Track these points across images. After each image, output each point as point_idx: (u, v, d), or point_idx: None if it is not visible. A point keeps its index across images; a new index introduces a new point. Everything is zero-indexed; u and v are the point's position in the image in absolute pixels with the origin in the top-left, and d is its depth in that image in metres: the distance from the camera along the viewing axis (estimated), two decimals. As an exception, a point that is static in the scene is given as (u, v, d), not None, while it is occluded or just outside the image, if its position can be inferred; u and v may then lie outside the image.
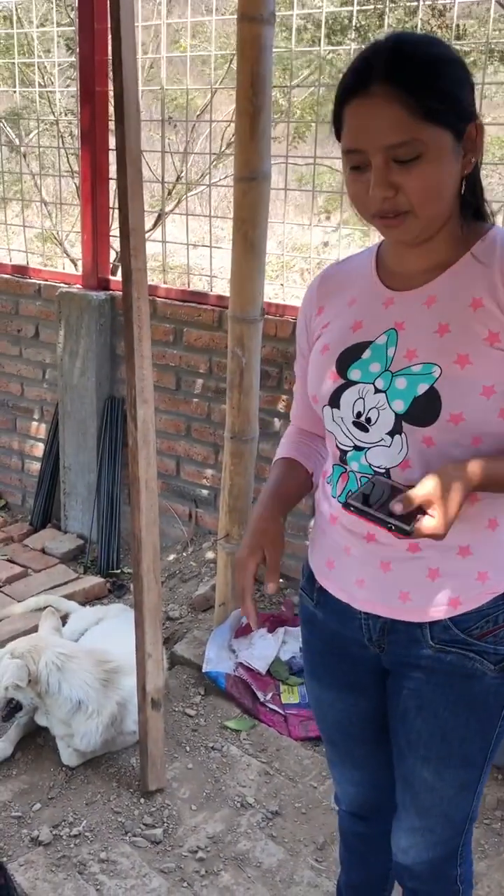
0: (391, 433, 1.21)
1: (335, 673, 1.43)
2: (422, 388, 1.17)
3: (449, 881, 1.44)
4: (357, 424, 1.25)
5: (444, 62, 1.11)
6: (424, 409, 1.17)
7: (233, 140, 3.29)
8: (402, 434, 1.19)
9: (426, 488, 1.09)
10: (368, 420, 1.23)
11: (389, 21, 4.24)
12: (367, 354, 1.24)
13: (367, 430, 1.23)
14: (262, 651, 2.81)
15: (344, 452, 1.28)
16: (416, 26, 3.76)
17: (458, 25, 4.01)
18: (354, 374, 1.25)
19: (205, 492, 3.46)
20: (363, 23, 4.34)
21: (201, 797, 2.31)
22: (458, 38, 3.86)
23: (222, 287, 3.74)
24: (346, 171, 1.17)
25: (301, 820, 2.25)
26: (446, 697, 1.29)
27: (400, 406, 1.19)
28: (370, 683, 1.40)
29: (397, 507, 1.07)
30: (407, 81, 1.07)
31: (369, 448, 1.24)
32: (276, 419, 3.16)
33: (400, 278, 1.25)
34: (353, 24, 3.39)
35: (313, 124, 3.60)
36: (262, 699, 2.66)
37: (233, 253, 2.58)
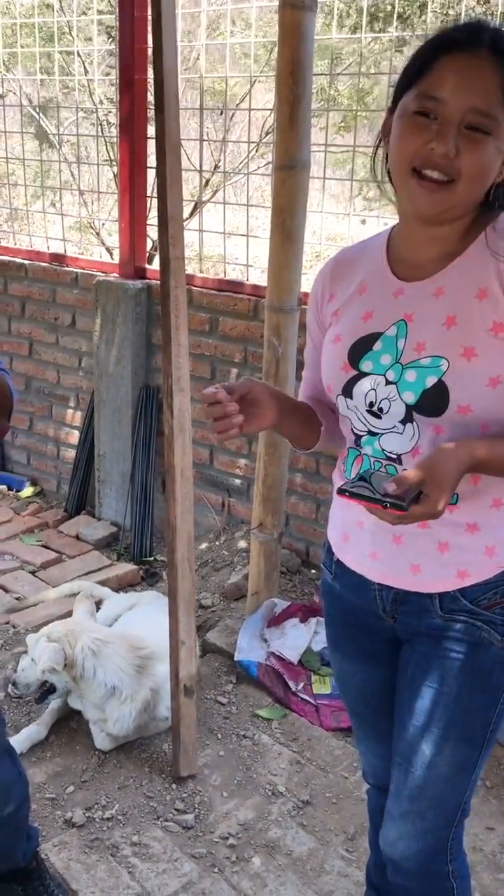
0: (403, 421, 1.24)
1: (354, 643, 1.48)
2: (430, 381, 1.20)
3: (440, 877, 1.41)
4: (371, 412, 1.28)
5: None
6: (433, 401, 1.20)
7: (271, 129, 3.28)
8: (414, 423, 1.23)
9: (421, 468, 1.12)
10: (381, 409, 1.27)
11: (433, 7, 4.18)
12: (377, 346, 1.27)
13: (380, 417, 1.27)
14: (294, 641, 2.82)
15: (359, 437, 1.32)
16: (460, 14, 3.71)
17: (503, 14, 3.94)
18: (366, 365, 1.28)
19: (238, 481, 3.47)
20: (405, 10, 4.28)
21: (232, 784, 2.32)
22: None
23: (258, 277, 3.74)
24: (403, 116, 1.16)
25: (332, 810, 2.25)
26: (453, 663, 1.32)
27: (410, 398, 1.23)
28: (387, 653, 1.44)
29: (391, 487, 1.10)
30: None
31: (383, 434, 1.28)
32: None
33: (410, 267, 1.27)
34: (395, 11, 3.34)
35: (358, 114, 3.57)
36: (293, 689, 2.66)
37: (270, 242, 2.57)
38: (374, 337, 1.27)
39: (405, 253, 1.28)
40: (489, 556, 1.28)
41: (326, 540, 1.50)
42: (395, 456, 1.27)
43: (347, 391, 1.30)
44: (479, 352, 1.17)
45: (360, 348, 1.29)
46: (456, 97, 1.11)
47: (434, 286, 1.23)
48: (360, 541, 1.36)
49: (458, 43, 1.12)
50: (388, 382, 1.25)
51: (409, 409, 1.23)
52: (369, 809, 1.70)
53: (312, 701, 2.63)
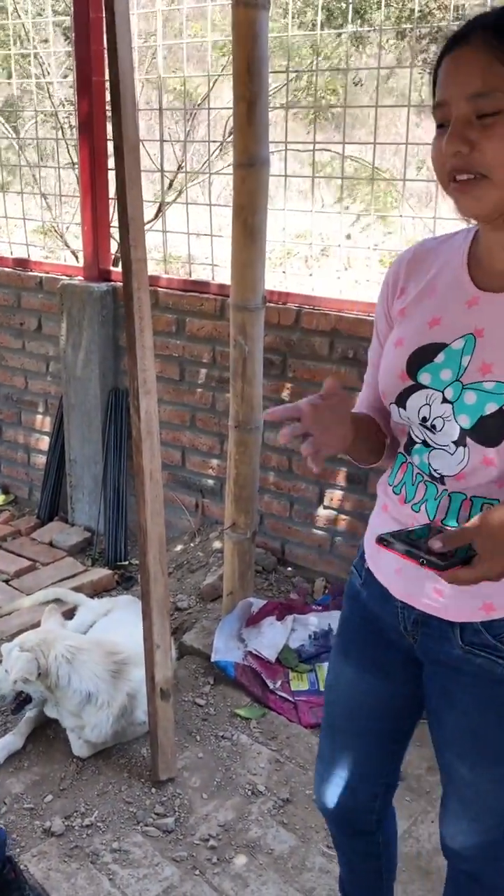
0: (456, 443, 1.16)
1: (366, 651, 1.42)
2: (490, 408, 1.11)
3: (500, 860, 1.41)
4: (424, 427, 1.21)
5: None
6: (490, 430, 1.11)
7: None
8: (467, 447, 1.15)
9: (477, 528, 1.02)
10: (433, 427, 1.19)
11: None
12: (440, 358, 1.17)
13: (435, 433, 1.20)
14: (271, 639, 2.82)
15: (412, 443, 1.25)
16: (414, 9, 3.73)
17: (456, 7, 3.97)
18: (424, 377, 1.19)
19: (210, 482, 3.46)
20: (361, 6, 4.29)
21: (212, 786, 2.32)
22: (456, 19, 3.82)
23: (224, 276, 3.73)
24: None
25: (312, 807, 2.25)
26: (475, 698, 1.27)
27: (465, 421, 1.14)
28: (398, 670, 1.39)
29: (436, 545, 1.03)
30: None
31: (435, 449, 1.20)
32: (280, 407, 3.15)
33: (489, 275, 1.16)
34: (351, 4, 3.36)
35: (312, 110, 3.57)
36: (271, 687, 2.66)
37: (232, 241, 2.56)
38: (438, 347, 1.17)
39: (487, 259, 1.17)
40: None
41: (362, 543, 1.44)
42: (438, 476, 1.20)
43: (401, 401, 1.22)
44: None
45: (420, 357, 1.19)
46: (454, 92, 1.04)
47: None
48: (387, 555, 1.28)
49: (454, 40, 1.06)
50: (444, 400, 1.16)
51: (464, 432, 1.14)
52: (334, 842, 1.68)
53: (291, 698, 2.63)
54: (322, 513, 3.18)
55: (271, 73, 2.60)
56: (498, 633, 1.22)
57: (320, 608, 3.03)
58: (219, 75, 3.84)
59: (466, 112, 1.03)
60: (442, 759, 1.37)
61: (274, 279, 3.45)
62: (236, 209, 2.52)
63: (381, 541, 1.09)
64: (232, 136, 2.57)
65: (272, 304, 3.00)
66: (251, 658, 2.75)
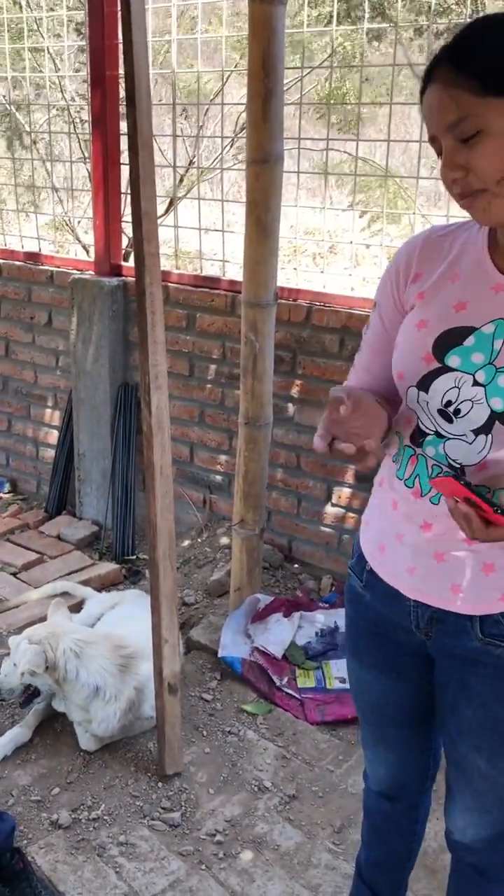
0: (477, 431, 1.17)
1: (377, 654, 1.43)
2: None
3: None
4: (442, 413, 1.20)
5: None
6: None
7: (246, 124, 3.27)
8: (490, 435, 1.15)
9: None
10: (457, 412, 1.18)
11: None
12: (469, 342, 1.18)
13: (451, 422, 1.19)
14: (278, 636, 2.82)
15: (423, 435, 1.24)
16: (431, 3, 3.72)
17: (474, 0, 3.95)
18: (453, 360, 1.19)
19: (219, 478, 3.46)
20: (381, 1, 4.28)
21: (219, 781, 2.32)
22: (474, 12, 3.80)
23: (235, 272, 3.73)
24: None
25: (318, 803, 2.26)
26: (495, 690, 1.28)
27: (498, 404, 1.14)
28: (411, 668, 1.40)
29: None
30: (464, 59, 1.06)
31: (450, 439, 1.20)
32: (289, 404, 3.15)
33: None
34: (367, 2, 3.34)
35: (329, 108, 3.57)
36: (278, 683, 2.66)
37: (245, 237, 2.56)
38: (467, 331, 1.18)
39: None
40: None
41: (356, 544, 1.43)
42: (458, 465, 1.20)
43: (424, 384, 1.21)
44: None
45: (448, 340, 1.19)
46: (436, 127, 1.10)
47: None
48: (397, 554, 1.30)
49: (424, 80, 1.11)
50: (475, 383, 1.16)
51: (494, 416, 1.14)
52: (367, 810, 1.70)
53: (297, 695, 2.63)
54: (330, 510, 3.18)
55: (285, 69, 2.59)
56: None
57: (327, 606, 3.04)
58: (232, 71, 3.84)
59: (451, 142, 1.09)
60: (456, 752, 1.37)
61: (283, 276, 3.45)
62: (249, 205, 2.51)
63: (459, 480, 1.08)
64: (245, 132, 2.57)
65: (283, 301, 3.00)
66: (258, 654, 2.75)
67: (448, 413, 1.19)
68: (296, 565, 3.30)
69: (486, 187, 1.08)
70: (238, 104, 4.00)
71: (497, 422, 1.15)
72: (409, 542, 1.28)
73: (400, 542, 1.30)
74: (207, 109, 4.60)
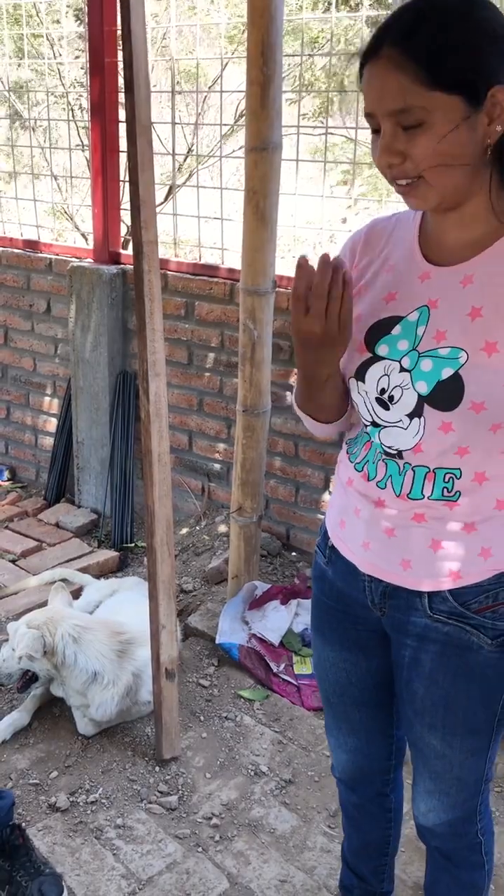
0: (410, 415, 1.20)
1: (339, 630, 1.45)
2: (446, 373, 1.16)
3: (470, 836, 1.46)
4: (380, 401, 1.24)
5: (469, 25, 1.05)
6: (447, 394, 1.16)
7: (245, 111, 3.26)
8: (422, 417, 1.19)
9: None
10: (391, 398, 1.22)
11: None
12: (396, 330, 1.22)
13: (388, 409, 1.23)
14: (275, 623, 2.84)
15: (365, 425, 1.29)
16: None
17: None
18: (382, 349, 1.23)
19: (217, 466, 3.47)
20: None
21: (215, 765, 2.34)
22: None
23: (234, 260, 3.73)
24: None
25: (314, 788, 2.28)
26: (444, 667, 1.30)
27: (423, 388, 1.18)
28: (373, 644, 1.42)
29: None
30: (414, 47, 1.05)
31: (385, 427, 1.24)
32: (288, 393, 3.16)
33: (439, 250, 1.21)
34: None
35: (329, 95, 3.56)
36: (275, 670, 2.68)
37: (244, 225, 2.56)
38: (395, 320, 1.22)
39: (435, 235, 1.22)
40: (483, 558, 1.24)
41: (324, 523, 1.47)
42: (394, 451, 1.24)
43: (360, 374, 1.26)
44: (501, 347, 1.12)
45: (378, 331, 1.24)
46: (379, 108, 1.09)
47: (462, 273, 1.17)
48: (354, 529, 1.34)
49: (366, 53, 1.10)
50: (402, 369, 1.20)
51: (421, 399, 1.18)
52: (340, 800, 1.72)
53: (294, 681, 2.65)
54: (327, 498, 3.19)
55: (284, 56, 2.59)
56: (465, 600, 1.25)
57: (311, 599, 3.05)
58: (230, 58, 3.82)
59: (391, 127, 1.09)
60: (412, 732, 1.39)
61: (282, 264, 3.44)
62: (248, 193, 2.51)
63: None
64: (244, 120, 2.56)
65: (282, 289, 3.00)
66: (255, 641, 2.77)
67: (384, 401, 1.23)
68: (293, 553, 3.32)
69: (421, 175, 1.10)
70: (238, 91, 3.98)
71: (426, 404, 1.18)
72: (364, 518, 1.31)
73: (357, 517, 1.33)
74: (207, 97, 4.58)
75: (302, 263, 1.14)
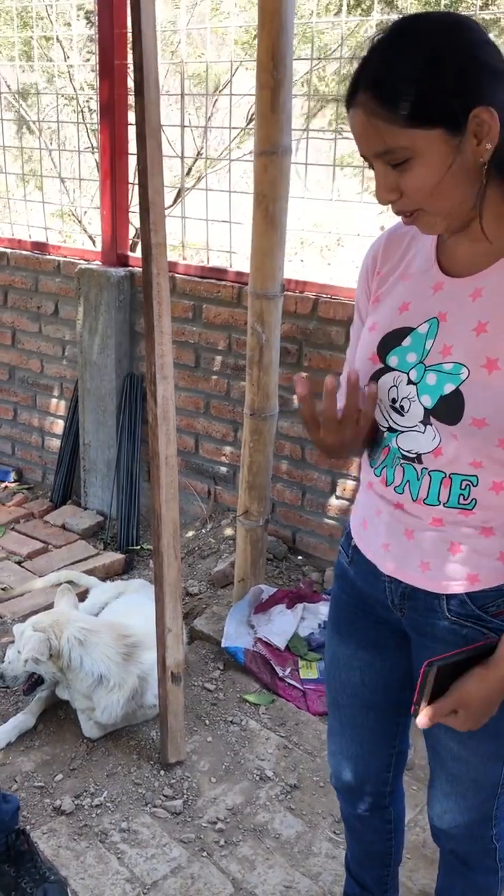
0: (423, 423, 1.21)
1: (358, 629, 1.45)
2: (448, 388, 1.16)
3: (485, 840, 1.45)
4: (394, 408, 1.25)
5: (438, 56, 1.03)
6: (449, 409, 1.17)
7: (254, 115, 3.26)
8: (433, 426, 1.20)
9: (462, 697, 1.17)
10: (402, 408, 1.23)
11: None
12: (407, 342, 1.23)
13: (402, 415, 1.24)
14: (281, 627, 2.83)
15: (382, 430, 1.30)
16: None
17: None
18: (392, 360, 1.24)
19: (224, 469, 3.47)
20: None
21: (220, 770, 2.34)
22: (484, 6, 3.78)
23: (241, 263, 3.73)
24: None
25: (319, 793, 2.27)
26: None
27: (427, 402, 1.19)
28: (391, 645, 1.42)
29: (422, 721, 1.18)
30: (385, 91, 1.04)
31: (402, 432, 1.25)
32: (295, 396, 3.15)
33: (454, 261, 1.21)
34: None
35: (339, 100, 3.56)
36: (280, 674, 2.67)
37: (253, 228, 2.56)
38: (406, 332, 1.23)
39: (451, 245, 1.22)
40: (502, 563, 1.23)
41: (348, 523, 1.47)
42: (413, 455, 1.24)
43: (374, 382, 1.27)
44: (502, 364, 1.11)
45: (390, 341, 1.25)
46: (365, 151, 1.11)
47: (473, 286, 1.17)
48: (376, 530, 1.34)
49: (346, 100, 1.11)
50: (409, 382, 1.21)
51: (427, 412, 1.19)
52: (342, 813, 1.71)
53: (299, 686, 2.65)
54: (334, 502, 3.19)
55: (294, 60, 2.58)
56: (482, 603, 1.25)
57: (330, 597, 3.04)
58: (241, 61, 3.82)
59: (382, 167, 1.11)
60: (430, 734, 1.39)
61: (290, 268, 3.45)
62: (257, 197, 2.51)
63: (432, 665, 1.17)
64: (254, 124, 2.56)
65: (290, 293, 3.00)
66: (261, 645, 2.76)
67: (398, 408, 1.25)
68: (300, 557, 3.31)
69: (420, 207, 1.12)
70: (248, 95, 3.99)
71: (432, 417, 1.19)
72: (385, 519, 1.32)
73: (378, 518, 1.33)
74: (217, 100, 4.58)
75: (301, 396, 1.18)
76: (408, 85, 1.04)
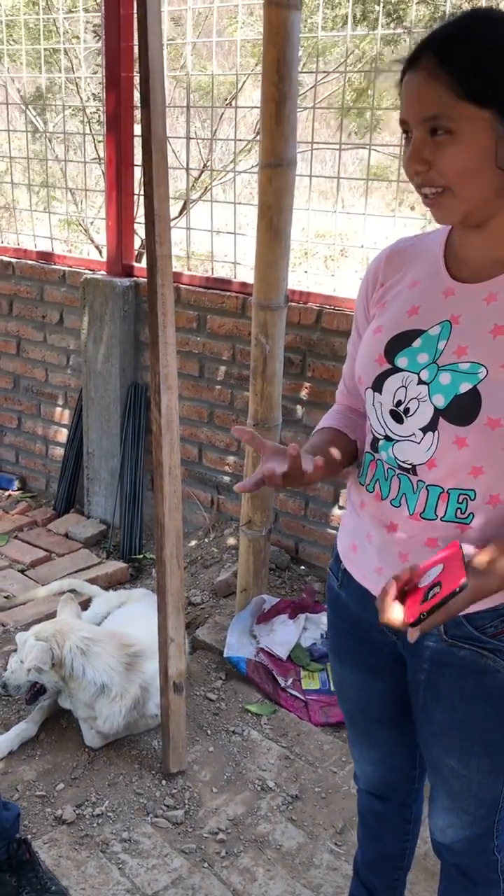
0: (424, 429, 1.21)
1: (356, 654, 1.46)
2: (464, 387, 1.17)
3: (487, 853, 1.45)
4: (394, 414, 1.25)
5: None
6: (463, 409, 1.17)
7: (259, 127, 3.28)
8: (436, 432, 1.19)
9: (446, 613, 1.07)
10: (406, 411, 1.23)
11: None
12: (417, 343, 1.23)
13: (401, 422, 1.24)
14: (283, 637, 2.83)
15: (376, 440, 1.29)
16: (446, 11, 3.72)
17: (490, 8, 3.94)
18: (401, 361, 1.24)
19: (227, 478, 3.47)
20: (395, 6, 4.29)
21: (222, 780, 2.33)
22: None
23: (246, 274, 3.75)
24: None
25: (321, 804, 2.26)
26: (461, 691, 1.29)
27: (440, 401, 1.19)
28: (389, 667, 1.42)
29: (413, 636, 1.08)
30: (452, 58, 1.07)
31: (398, 441, 1.25)
32: (298, 406, 3.16)
33: (465, 267, 1.22)
34: (382, 7, 3.35)
35: (342, 112, 3.58)
36: (282, 685, 2.67)
37: (257, 240, 2.58)
38: (416, 333, 1.23)
39: (461, 252, 1.23)
40: None
41: (335, 545, 1.47)
42: (408, 466, 1.24)
43: (377, 385, 1.27)
44: None
45: (398, 343, 1.25)
46: (412, 115, 1.12)
47: (487, 291, 1.18)
48: (366, 554, 1.33)
49: (408, 62, 1.13)
50: (420, 382, 1.21)
51: (437, 413, 1.19)
52: (359, 810, 1.71)
53: (301, 696, 2.64)
54: (337, 512, 3.19)
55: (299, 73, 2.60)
56: (479, 624, 1.25)
57: (327, 620, 3.04)
58: (248, 74, 3.85)
59: (422, 134, 1.11)
60: (429, 752, 1.39)
61: (294, 279, 3.45)
62: (262, 209, 2.53)
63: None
64: (259, 136, 2.58)
65: (294, 304, 3.01)
66: (263, 655, 2.76)
67: (399, 413, 1.24)
68: (302, 567, 3.31)
69: (447, 186, 1.12)
70: (254, 107, 4.01)
71: (441, 418, 1.19)
72: (376, 543, 1.31)
73: (369, 542, 1.33)
74: (223, 113, 4.61)
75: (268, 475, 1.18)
76: (476, 59, 1.07)
